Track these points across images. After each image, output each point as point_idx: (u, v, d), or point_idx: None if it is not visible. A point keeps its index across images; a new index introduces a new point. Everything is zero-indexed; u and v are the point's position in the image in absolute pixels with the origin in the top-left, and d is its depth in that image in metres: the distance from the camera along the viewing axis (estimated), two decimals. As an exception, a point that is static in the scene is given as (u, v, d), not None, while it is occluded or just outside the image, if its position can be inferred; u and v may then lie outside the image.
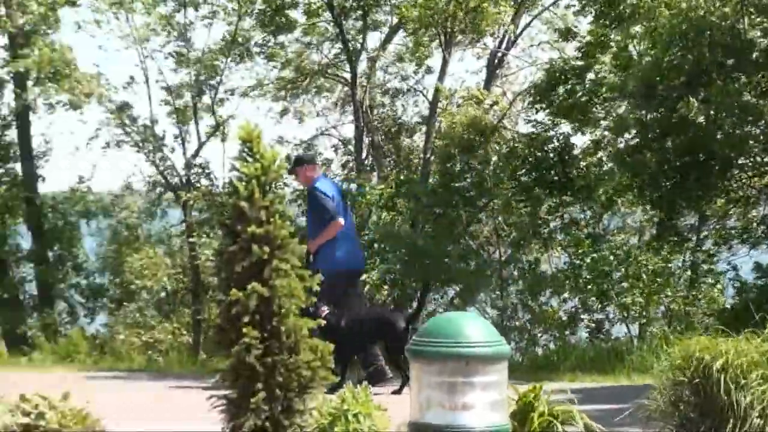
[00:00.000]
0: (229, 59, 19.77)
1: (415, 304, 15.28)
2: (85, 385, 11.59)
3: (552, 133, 17.33)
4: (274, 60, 20.30)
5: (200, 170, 19.95)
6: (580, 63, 17.10)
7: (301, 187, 16.01)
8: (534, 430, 7.06)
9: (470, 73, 28.37)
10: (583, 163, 17.32)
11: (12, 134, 19.62)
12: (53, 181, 27.16)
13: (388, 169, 19.78)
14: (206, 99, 20.02)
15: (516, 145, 17.50)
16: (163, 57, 19.90)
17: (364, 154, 20.23)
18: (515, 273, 17.52)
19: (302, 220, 19.34)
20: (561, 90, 16.94)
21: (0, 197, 18.47)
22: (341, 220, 11.24)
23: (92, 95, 18.62)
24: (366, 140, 20.20)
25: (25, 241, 19.37)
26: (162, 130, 19.94)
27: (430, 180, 18.12)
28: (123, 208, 20.43)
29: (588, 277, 15.08)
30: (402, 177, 18.38)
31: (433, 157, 18.43)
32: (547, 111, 17.18)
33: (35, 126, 19.67)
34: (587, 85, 16.90)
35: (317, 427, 7.37)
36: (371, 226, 17.57)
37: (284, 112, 21.51)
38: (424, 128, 19.79)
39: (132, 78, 19.71)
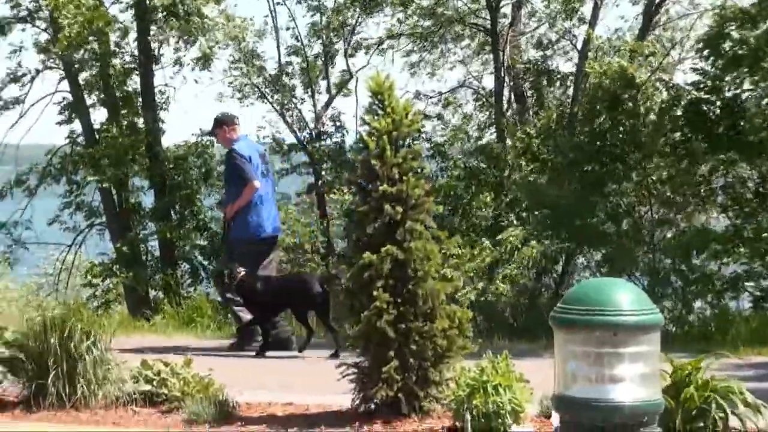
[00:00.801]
0: (359, 9, 19.81)
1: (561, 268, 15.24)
2: (208, 351, 11.76)
3: (719, 84, 16.79)
4: (408, 8, 20.22)
5: (331, 123, 20.08)
6: (753, 9, 16.48)
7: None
8: (690, 406, 6.90)
9: (624, 21, 27.86)
10: (757, 120, 16.72)
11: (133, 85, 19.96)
12: (174, 134, 27.54)
13: (532, 123, 19.57)
14: (339, 49, 20.12)
15: (674, 98, 17.07)
16: (294, 2, 20.09)
17: (505, 107, 20.08)
18: (669, 235, 17.18)
19: (440, 177, 19.40)
20: (730, 38, 16.37)
21: (124, 149, 18.70)
22: (256, 183, 11.35)
23: (226, 39, 18.86)
24: (507, 93, 20.02)
25: (148, 197, 19.66)
26: (291, 81, 20.11)
27: (577, 135, 17.86)
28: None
29: (753, 239, 14.68)
30: (545, 130, 18.20)
31: (580, 111, 18.16)
32: (714, 61, 16.65)
33: (157, 76, 19.95)
34: (761, 33, 16.29)
35: (454, 399, 7.34)
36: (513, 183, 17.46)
37: (418, 63, 21.44)
38: (571, 79, 19.53)
39: (263, 23, 19.96)
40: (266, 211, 11.65)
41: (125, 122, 19.45)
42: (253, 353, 11.67)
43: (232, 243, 11.81)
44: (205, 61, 19.02)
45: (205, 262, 19.24)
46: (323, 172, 19.72)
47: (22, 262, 19.31)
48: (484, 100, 21.40)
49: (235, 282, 11.41)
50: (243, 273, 11.33)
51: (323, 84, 20.21)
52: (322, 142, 19.79)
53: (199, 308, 15.72)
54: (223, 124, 11.85)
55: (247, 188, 11.39)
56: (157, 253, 19.28)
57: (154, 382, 8.40)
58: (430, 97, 21.39)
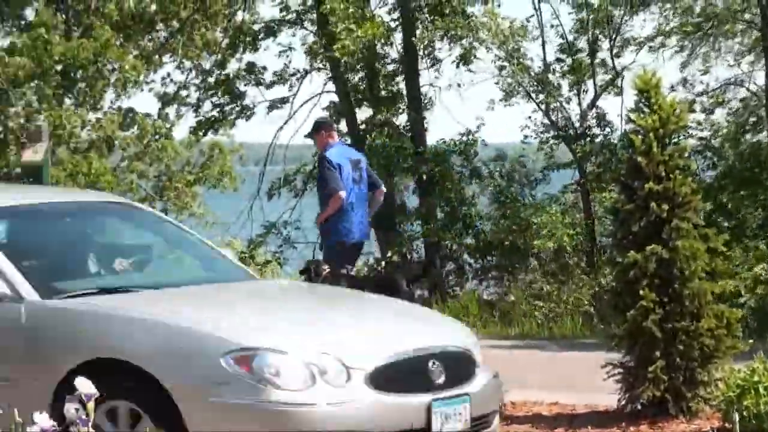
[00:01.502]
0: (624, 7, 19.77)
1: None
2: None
3: None
4: (677, 3, 20.04)
5: (596, 122, 20.08)
6: None
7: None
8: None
9: None
10: None
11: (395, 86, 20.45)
12: (438, 135, 27.90)
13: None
14: (604, 46, 20.14)
15: None
16: (559, 1, 20.22)
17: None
18: None
19: (706, 175, 19.11)
20: None
21: (389, 150, 19.11)
22: (341, 194, 11.39)
23: (491, 38, 19.15)
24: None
25: (413, 197, 20.07)
26: (556, 79, 20.22)
27: None
28: (514, 162, 20.81)
29: None
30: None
31: None
32: None
33: (422, 76, 20.38)
34: None
35: (723, 399, 7.37)
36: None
37: (687, 62, 21.17)
38: None
39: (527, 20, 20.15)
40: (356, 217, 11.74)
41: (390, 123, 19.96)
42: None
43: (325, 247, 12.07)
44: (465, 59, 19.37)
45: (471, 261, 19.45)
46: (588, 171, 19.72)
47: (292, 262, 19.94)
48: (755, 98, 20.97)
49: (319, 279, 11.42)
50: (327, 270, 11.34)
51: (588, 82, 20.22)
52: (588, 141, 19.80)
53: (465, 307, 15.91)
54: (321, 128, 12.00)
55: (332, 199, 11.54)
56: (422, 253, 19.66)
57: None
58: (699, 95, 21.11)
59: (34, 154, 14.35)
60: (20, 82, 19.25)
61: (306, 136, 12.09)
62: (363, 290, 11.54)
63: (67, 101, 20.17)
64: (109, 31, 19.67)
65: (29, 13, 21.22)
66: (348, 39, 18.22)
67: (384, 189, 12.29)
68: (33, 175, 15.42)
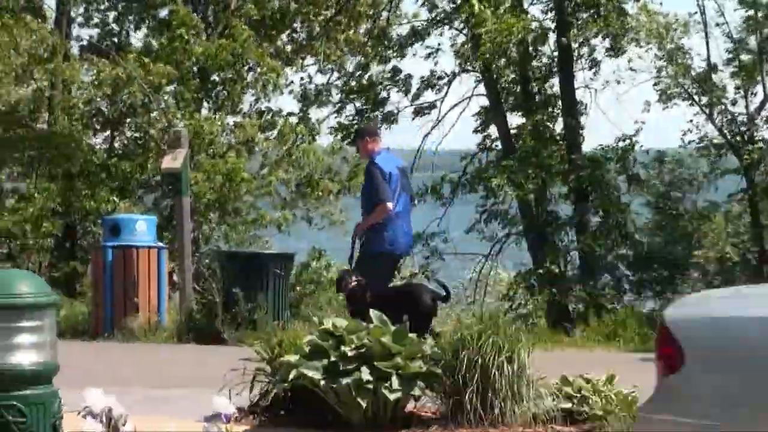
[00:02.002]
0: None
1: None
2: (631, 366, 11.45)
3: None
4: None
5: (766, 126, 19.34)
6: None
7: None
8: None
9: None
10: None
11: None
12: (594, 139, 27.30)
13: None
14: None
15: None
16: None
17: None
18: None
19: None
20: None
21: (542, 158, 18.68)
22: (389, 205, 11.23)
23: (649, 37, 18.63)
24: None
25: (566, 205, 19.57)
26: (720, 80, 19.51)
27: None
28: (674, 168, 20.21)
29: None
30: None
31: None
32: None
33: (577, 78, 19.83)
34: None
35: None
36: None
37: None
38: None
39: (689, 16, 19.50)
40: (401, 226, 11.60)
41: (543, 128, 19.46)
42: None
43: (364, 256, 11.76)
44: (616, 51, 18.82)
45: (629, 273, 18.91)
46: (756, 179, 18.96)
47: (440, 273, 19.69)
48: None
49: (347, 290, 11.53)
50: (355, 282, 11.37)
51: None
52: (756, 147, 18.99)
53: (623, 322, 15.40)
54: (366, 135, 11.84)
55: (379, 207, 11.35)
56: (577, 264, 19.17)
57: (575, 400, 8.20)
58: None
59: (173, 161, 14.20)
60: (159, 87, 19.31)
61: (349, 144, 12.01)
62: (386, 304, 11.62)
63: (206, 105, 20.17)
64: (248, 30, 19.56)
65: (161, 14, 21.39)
66: (495, 30, 17.82)
67: (416, 203, 12.16)
68: (172, 182, 15.37)
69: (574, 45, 19.30)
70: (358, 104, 20.64)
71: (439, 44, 20.60)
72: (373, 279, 11.47)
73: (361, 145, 11.97)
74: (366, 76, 20.85)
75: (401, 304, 11.68)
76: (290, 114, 20.92)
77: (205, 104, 20.16)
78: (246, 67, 20.04)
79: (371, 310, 9.58)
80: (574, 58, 19.46)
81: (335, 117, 20.81)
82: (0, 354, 6.06)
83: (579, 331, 15.75)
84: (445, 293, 11.81)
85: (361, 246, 11.78)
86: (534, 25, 19.27)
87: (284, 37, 21.82)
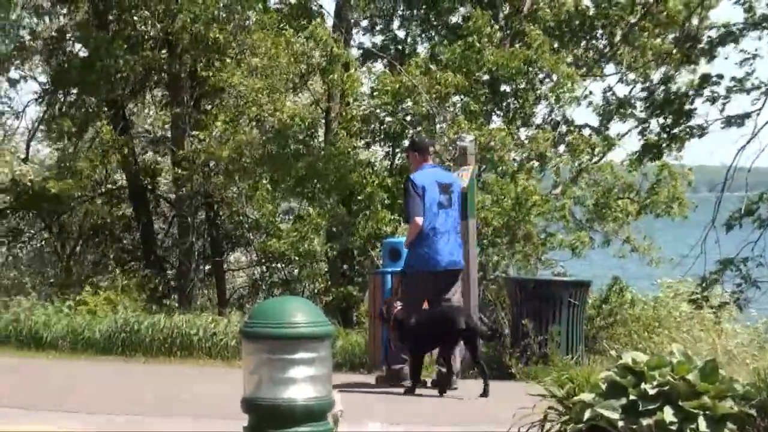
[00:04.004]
0: None
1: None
2: None
3: None
4: None
5: None
6: None
7: None
8: None
9: None
10: None
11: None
12: None
13: None
14: None
15: None
16: None
17: None
18: None
19: None
20: None
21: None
22: (418, 220, 12.06)
23: None
24: None
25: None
26: None
27: None
28: None
29: None
30: None
31: None
32: None
33: None
34: None
35: None
36: None
37: None
38: None
39: None
40: (441, 243, 12.22)
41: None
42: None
43: (405, 276, 12.57)
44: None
45: None
46: None
47: (753, 302, 19.16)
48: None
49: (390, 316, 12.40)
50: (399, 308, 12.32)
51: None
52: None
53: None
54: (416, 149, 12.70)
55: (411, 226, 12.30)
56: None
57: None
58: None
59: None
60: (446, 97, 19.41)
61: (402, 151, 12.95)
62: (425, 326, 12.25)
63: (495, 118, 20.19)
64: (542, 36, 19.50)
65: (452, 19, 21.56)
66: None
67: (471, 220, 13.09)
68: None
69: None
70: (660, 119, 20.27)
71: (756, 49, 20.07)
72: (416, 300, 12.35)
73: (411, 157, 12.83)
74: (673, 88, 20.47)
75: (440, 329, 12.21)
76: (586, 127, 20.77)
77: (494, 117, 20.20)
78: (541, 76, 20.01)
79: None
80: None
81: (636, 130, 20.54)
82: (273, 388, 6.09)
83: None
84: (490, 333, 12.93)
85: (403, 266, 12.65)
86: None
87: (583, 44, 21.66)
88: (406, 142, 18.01)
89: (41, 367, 15.35)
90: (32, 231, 25.63)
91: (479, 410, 11.16)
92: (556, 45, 20.43)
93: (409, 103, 19.60)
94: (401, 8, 22.48)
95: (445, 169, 14.38)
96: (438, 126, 19.33)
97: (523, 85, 19.82)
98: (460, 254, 12.59)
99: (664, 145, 20.24)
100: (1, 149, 27.32)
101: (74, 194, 22.93)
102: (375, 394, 12.29)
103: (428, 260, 12.27)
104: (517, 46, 19.73)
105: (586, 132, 20.70)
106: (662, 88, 20.65)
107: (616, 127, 21.26)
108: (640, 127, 20.65)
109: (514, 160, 19.45)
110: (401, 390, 12.32)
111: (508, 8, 21.15)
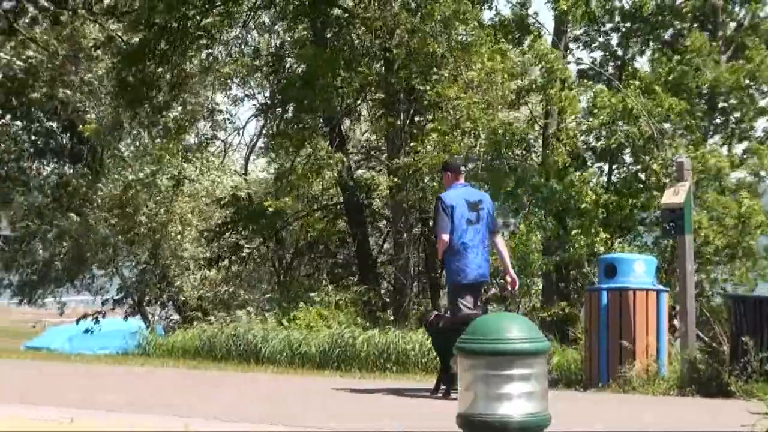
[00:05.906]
0: None
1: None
2: None
3: None
4: None
5: None
6: None
7: None
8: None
9: None
10: None
11: None
12: None
13: None
14: None
15: None
16: None
17: None
18: None
19: None
20: None
21: None
22: (444, 237, 12.99)
23: None
24: None
25: None
26: None
27: None
28: None
29: None
30: None
31: None
32: None
33: None
34: None
35: None
36: None
37: None
38: None
39: None
40: (471, 258, 13.03)
41: None
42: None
43: (447, 288, 13.69)
44: None
45: None
46: None
47: None
48: None
49: (427, 324, 13.50)
50: (434, 316, 13.40)
51: None
52: None
53: None
54: (448, 169, 13.57)
55: (438, 243, 13.19)
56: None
57: None
58: None
59: (674, 195, 14.15)
60: (666, 117, 19.25)
61: (438, 170, 13.18)
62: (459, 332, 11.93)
63: (711, 135, 19.95)
64: (765, 50, 19.22)
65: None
66: None
67: (500, 233, 13.71)
68: (673, 219, 15.24)
69: None
70: None
71: None
72: (456, 309, 13.04)
73: (444, 177, 13.71)
74: None
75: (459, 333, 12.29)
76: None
77: (710, 135, 19.97)
78: (765, 89, 19.75)
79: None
80: None
81: None
82: (488, 404, 6.25)
83: None
84: None
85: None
86: None
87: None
88: (627, 158, 17.80)
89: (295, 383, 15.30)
90: (251, 246, 26.16)
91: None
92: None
93: (623, 125, 19.46)
94: (616, 21, 22.34)
95: (475, 187, 15.38)
96: (658, 145, 19.19)
97: (742, 100, 19.54)
98: (487, 268, 13.42)
99: None
100: (223, 164, 28.08)
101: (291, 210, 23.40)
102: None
103: (458, 273, 13.11)
104: (736, 61, 19.46)
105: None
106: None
107: None
108: None
109: (732, 180, 19.21)
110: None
111: (730, 24, 20.87)
